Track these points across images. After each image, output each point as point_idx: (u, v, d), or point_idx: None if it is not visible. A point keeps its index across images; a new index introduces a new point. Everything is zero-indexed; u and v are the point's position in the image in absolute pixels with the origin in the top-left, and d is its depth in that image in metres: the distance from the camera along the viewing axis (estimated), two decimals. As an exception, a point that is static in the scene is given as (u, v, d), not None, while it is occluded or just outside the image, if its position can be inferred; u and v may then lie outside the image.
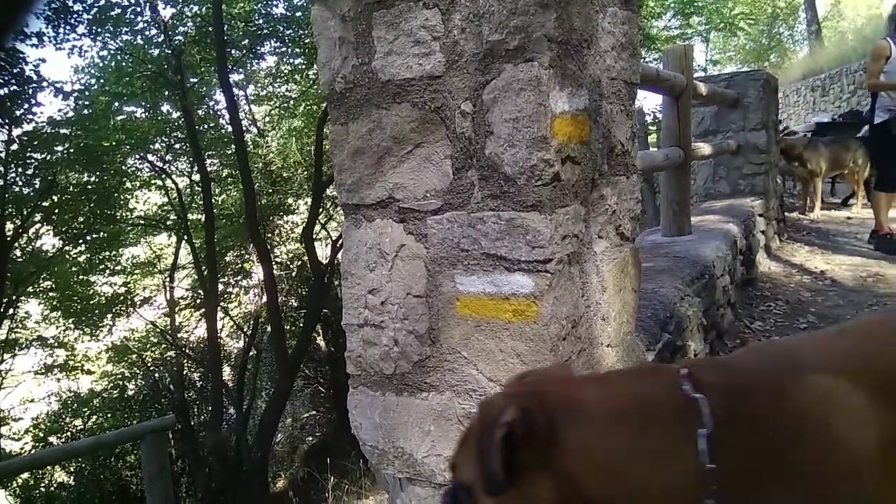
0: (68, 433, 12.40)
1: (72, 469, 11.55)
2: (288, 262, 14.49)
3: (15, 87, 9.23)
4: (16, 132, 9.82)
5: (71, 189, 11.48)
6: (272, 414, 10.89)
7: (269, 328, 12.52)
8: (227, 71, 10.41)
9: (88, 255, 12.53)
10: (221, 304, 12.96)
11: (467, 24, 1.44)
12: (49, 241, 12.02)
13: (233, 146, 11.41)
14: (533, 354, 1.48)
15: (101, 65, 11.66)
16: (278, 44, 12.14)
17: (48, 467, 10.85)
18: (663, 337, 2.31)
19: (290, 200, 14.54)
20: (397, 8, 1.52)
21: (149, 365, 13.70)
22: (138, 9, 10.83)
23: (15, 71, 9.00)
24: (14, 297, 11.00)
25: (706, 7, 18.62)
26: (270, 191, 13.73)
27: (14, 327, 12.03)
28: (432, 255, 1.58)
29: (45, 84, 9.80)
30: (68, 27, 10.37)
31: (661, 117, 4.15)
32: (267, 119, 15.15)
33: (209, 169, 12.35)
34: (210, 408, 11.89)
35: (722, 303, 3.53)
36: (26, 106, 9.62)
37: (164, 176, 13.36)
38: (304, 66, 12.49)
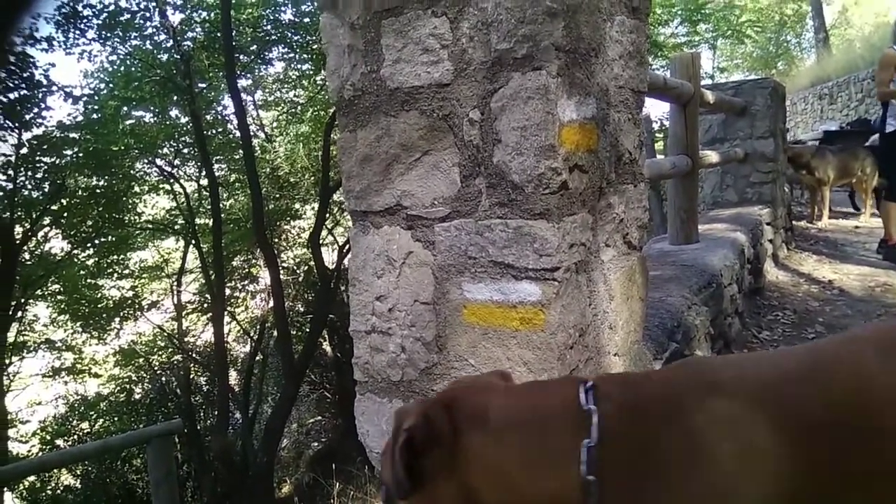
0: (75, 436, 12.44)
1: (78, 472, 11.59)
2: (295, 267, 14.52)
3: (25, 92, 9.30)
4: (26, 136, 9.89)
5: (80, 193, 11.55)
6: (278, 419, 10.89)
7: (275, 333, 12.52)
8: (235, 76, 10.46)
9: (97, 259, 12.58)
10: (228, 308, 12.98)
11: (476, 33, 1.45)
12: (58, 245, 12.08)
13: (240, 151, 11.46)
14: (540, 363, 1.48)
15: (110, 69, 11.74)
16: (286, 49, 12.21)
17: (55, 470, 10.87)
18: (671, 346, 2.30)
19: (297, 205, 14.57)
20: (406, 16, 1.52)
21: (156, 369, 13.74)
22: (147, 14, 10.92)
23: (25, 75, 9.08)
24: (22, 301, 11.05)
25: (713, 14, 18.61)
26: (278, 196, 13.78)
27: (22, 330, 12.07)
28: (440, 262, 1.59)
29: (54, 88, 9.90)
30: (78, 32, 10.46)
31: (669, 125, 4.14)
32: (275, 124, 15.22)
33: (217, 174, 12.39)
34: (216, 412, 11.90)
35: (729, 312, 3.51)
36: (36, 110, 9.69)
37: (172, 180, 13.42)
38: (311, 72, 12.55)
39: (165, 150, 13.02)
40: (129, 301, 13.44)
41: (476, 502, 0.87)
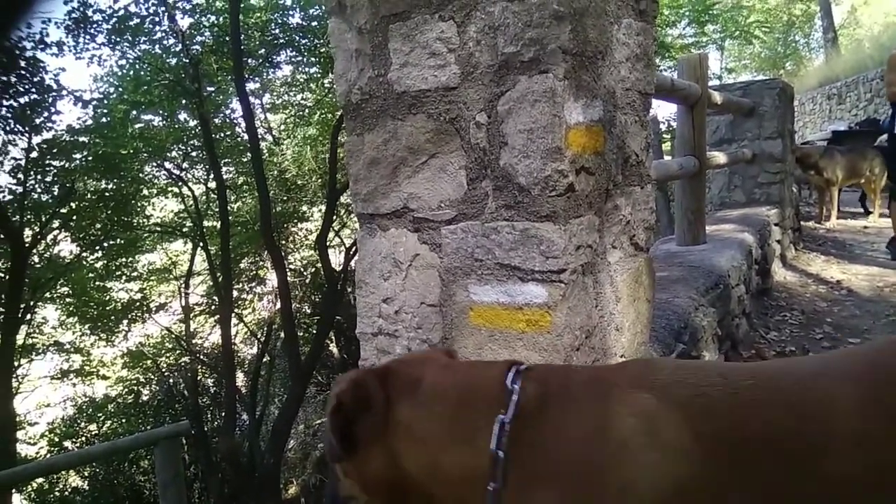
0: (83, 438, 12.49)
1: (86, 474, 11.63)
2: (302, 269, 14.55)
3: (35, 96, 9.37)
4: (36, 140, 9.96)
5: (89, 196, 11.60)
6: (285, 420, 10.90)
7: (282, 335, 12.56)
8: (243, 80, 10.50)
9: (105, 262, 12.63)
10: (236, 310, 13.02)
11: (482, 37, 1.45)
12: (67, 248, 12.14)
13: (248, 154, 11.49)
14: (547, 364, 1.48)
15: (119, 74, 11.80)
16: (294, 53, 12.24)
17: (63, 472, 10.92)
18: (678, 347, 2.30)
19: (304, 208, 14.60)
20: (413, 20, 1.53)
21: (163, 371, 13.78)
22: (157, 19, 10.98)
23: (35, 80, 9.15)
24: (32, 303, 11.10)
25: (721, 15, 18.52)
26: (285, 198, 13.81)
27: (31, 332, 12.14)
28: (446, 264, 1.59)
29: (64, 92, 9.97)
30: (88, 37, 10.52)
31: (676, 126, 4.14)
32: (282, 127, 15.26)
33: (225, 176, 12.45)
34: (223, 414, 11.93)
35: (737, 313, 3.50)
36: (46, 114, 9.76)
37: (180, 183, 13.48)
38: (319, 76, 12.58)
39: (174, 153, 13.08)
40: (138, 303, 13.50)
41: (399, 469, 0.90)
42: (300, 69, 13.15)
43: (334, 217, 12.76)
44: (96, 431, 12.71)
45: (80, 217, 11.47)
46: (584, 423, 0.82)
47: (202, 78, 11.15)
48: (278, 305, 12.18)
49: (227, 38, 10.45)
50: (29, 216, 10.41)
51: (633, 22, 1.76)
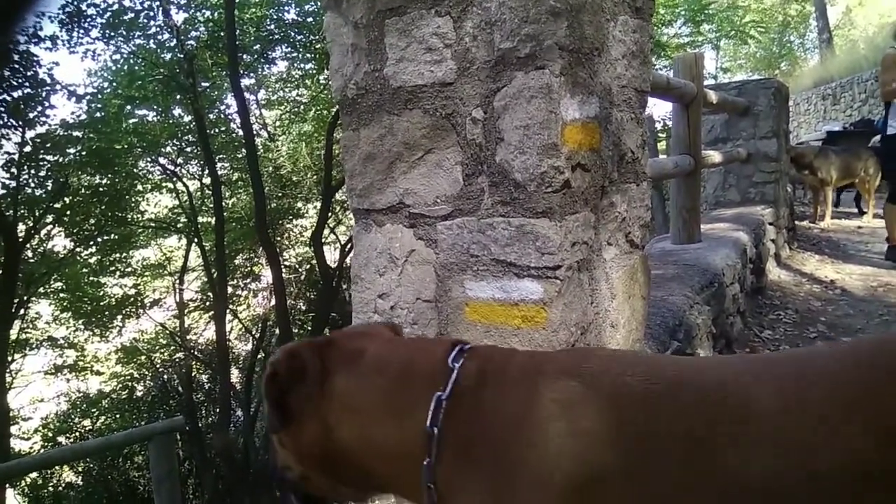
0: (77, 433, 12.48)
1: (80, 469, 11.63)
2: (297, 266, 14.55)
3: (29, 90, 9.35)
4: (29, 134, 9.94)
5: (83, 191, 11.58)
6: (279, 417, 10.89)
7: (277, 331, 12.55)
8: (238, 75, 10.48)
9: (99, 257, 12.62)
10: (230, 306, 13.01)
11: (479, 32, 1.45)
12: (60, 243, 12.12)
13: (243, 150, 11.48)
14: (541, 361, 1.48)
15: (113, 68, 11.78)
16: (289, 49, 12.24)
17: (56, 467, 10.90)
18: (672, 345, 2.31)
19: (299, 204, 14.60)
20: (409, 15, 1.53)
21: (157, 366, 13.77)
22: (151, 13, 10.96)
23: (29, 74, 9.12)
24: (25, 298, 11.08)
25: (717, 15, 18.56)
26: (280, 194, 13.80)
27: (25, 327, 12.11)
28: (442, 260, 1.59)
29: (58, 87, 9.95)
30: (82, 31, 10.49)
31: (672, 125, 4.14)
32: (277, 123, 15.24)
33: (220, 172, 12.43)
34: (218, 410, 11.93)
35: (731, 311, 3.51)
36: (40, 108, 9.75)
37: (174, 179, 13.46)
38: (314, 71, 12.57)
39: (168, 148, 13.07)
40: (132, 299, 13.49)
41: (333, 440, 0.90)
42: (295, 65, 13.15)
43: (329, 213, 12.76)
44: (90, 427, 12.70)
45: (74, 212, 11.44)
46: (510, 405, 0.82)
47: (197, 73, 11.13)
48: (273, 302, 12.18)
49: (222, 34, 10.45)
50: (22, 211, 10.38)
51: (629, 19, 1.76)
